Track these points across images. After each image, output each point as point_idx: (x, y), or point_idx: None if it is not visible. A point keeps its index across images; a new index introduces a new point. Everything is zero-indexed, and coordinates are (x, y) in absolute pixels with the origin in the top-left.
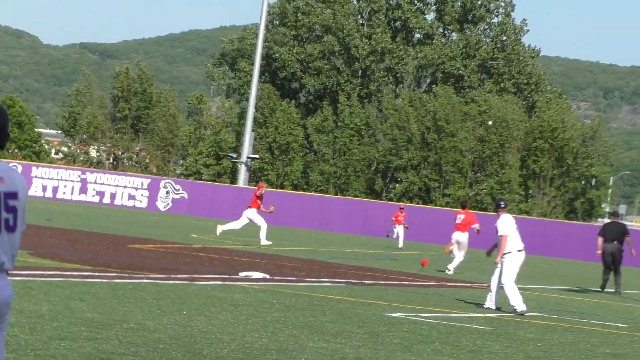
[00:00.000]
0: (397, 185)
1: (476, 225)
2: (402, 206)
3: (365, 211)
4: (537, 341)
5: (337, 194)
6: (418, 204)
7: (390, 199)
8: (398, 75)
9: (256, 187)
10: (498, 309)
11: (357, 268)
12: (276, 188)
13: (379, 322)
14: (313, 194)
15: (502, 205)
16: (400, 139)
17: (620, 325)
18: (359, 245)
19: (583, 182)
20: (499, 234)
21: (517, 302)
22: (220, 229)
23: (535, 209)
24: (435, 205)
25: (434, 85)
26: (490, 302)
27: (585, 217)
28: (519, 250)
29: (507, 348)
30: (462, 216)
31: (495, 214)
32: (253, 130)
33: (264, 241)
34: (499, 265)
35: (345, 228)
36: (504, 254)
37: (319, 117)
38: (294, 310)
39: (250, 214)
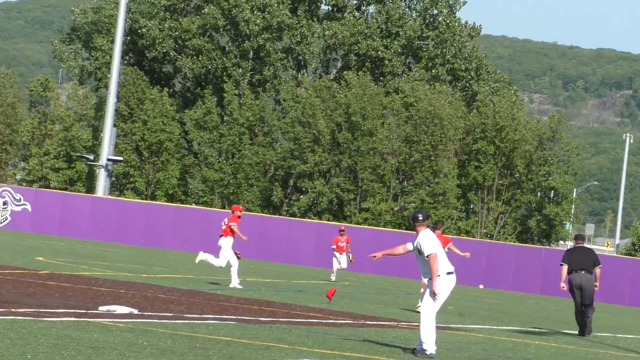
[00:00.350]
0: (302, 197)
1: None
2: (342, 227)
3: (261, 229)
4: None
5: (224, 207)
6: (329, 220)
7: (293, 214)
8: (300, 57)
9: (230, 211)
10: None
11: (251, 301)
12: (145, 199)
13: None
14: (193, 206)
15: (421, 219)
16: (305, 139)
17: None
18: (253, 272)
19: (539, 194)
20: (426, 252)
21: (429, 340)
22: (202, 256)
23: (478, 228)
24: (351, 222)
25: (345, 72)
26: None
27: (542, 239)
28: (449, 273)
29: None
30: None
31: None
32: (115, 126)
33: (235, 281)
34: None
35: (236, 249)
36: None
37: (199, 109)
38: (171, 355)
39: (225, 244)
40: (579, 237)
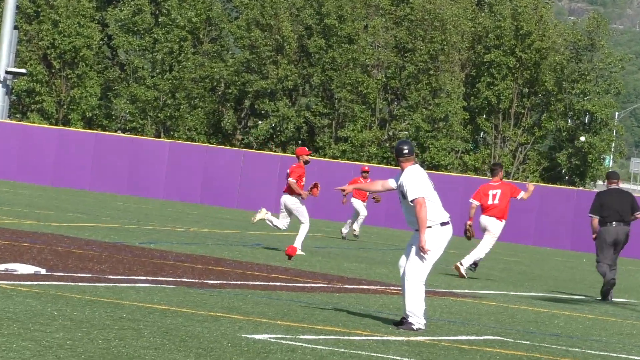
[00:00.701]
0: (260, 122)
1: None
2: (366, 168)
3: (208, 163)
4: None
5: (159, 136)
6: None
7: (249, 145)
8: None
9: (295, 155)
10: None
11: (195, 258)
12: (56, 124)
13: (234, 350)
14: (119, 134)
15: (406, 152)
16: (265, 47)
17: (635, 357)
18: (197, 220)
19: (570, 121)
20: (410, 196)
21: (417, 311)
22: (263, 214)
23: (490, 164)
24: (325, 156)
25: None
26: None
27: (574, 178)
28: (443, 224)
29: None
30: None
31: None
32: (16, 28)
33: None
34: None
35: (173, 192)
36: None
37: (126, 7)
38: (89, 329)
39: (290, 202)
40: (612, 176)
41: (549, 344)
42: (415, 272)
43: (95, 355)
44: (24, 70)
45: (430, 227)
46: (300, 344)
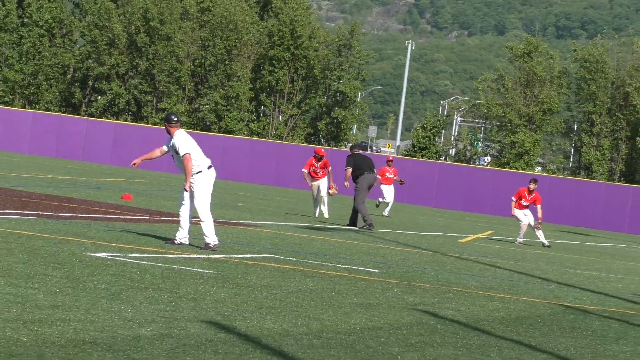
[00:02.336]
0: (100, 97)
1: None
2: (390, 158)
3: (60, 129)
4: (272, 288)
5: (24, 107)
6: (127, 121)
7: (91, 114)
8: None
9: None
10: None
11: (52, 198)
12: None
13: (80, 264)
14: None
15: (175, 120)
16: (101, 42)
17: (370, 270)
18: (53, 169)
19: (329, 99)
20: (181, 152)
21: (209, 233)
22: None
23: (269, 129)
24: (148, 122)
25: None
26: (183, 237)
27: (330, 141)
28: (209, 167)
29: (236, 296)
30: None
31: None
32: None
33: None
34: (189, 191)
35: (36, 148)
36: (193, 174)
37: (0, 11)
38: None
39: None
40: (358, 147)
41: (309, 260)
42: (200, 206)
43: None
44: None
45: (201, 171)
46: (129, 260)
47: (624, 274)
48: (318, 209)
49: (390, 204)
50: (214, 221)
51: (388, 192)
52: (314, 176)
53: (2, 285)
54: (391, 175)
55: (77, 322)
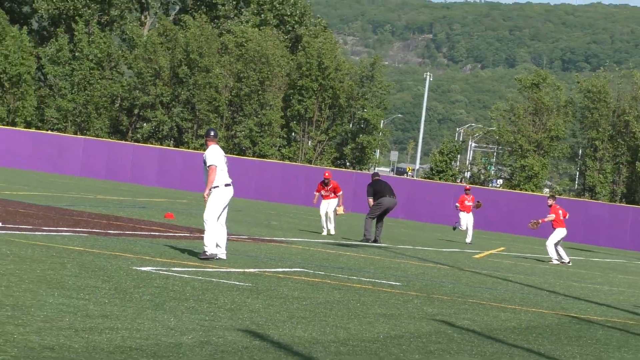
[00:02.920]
0: (145, 124)
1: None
2: (468, 187)
3: (109, 153)
4: (302, 299)
5: (76, 133)
6: (169, 146)
7: (137, 140)
8: (143, 0)
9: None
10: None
11: (101, 216)
12: (7, 125)
13: (127, 277)
14: (49, 132)
15: (212, 134)
16: (147, 74)
17: (392, 283)
18: (102, 190)
19: (354, 125)
20: (208, 164)
21: (209, 243)
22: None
23: (299, 155)
24: (189, 147)
25: (184, 14)
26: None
27: (355, 164)
28: (227, 185)
29: (270, 306)
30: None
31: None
32: None
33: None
34: (207, 199)
35: (86, 171)
36: (212, 187)
37: (53, 46)
38: (30, 263)
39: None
40: (377, 174)
41: (336, 273)
42: (207, 216)
43: (35, 280)
44: None
45: (217, 186)
46: (171, 273)
47: (625, 287)
48: (326, 227)
49: (470, 231)
50: (228, 235)
51: (466, 219)
52: (324, 197)
53: (55, 296)
54: (469, 203)
55: (124, 330)
